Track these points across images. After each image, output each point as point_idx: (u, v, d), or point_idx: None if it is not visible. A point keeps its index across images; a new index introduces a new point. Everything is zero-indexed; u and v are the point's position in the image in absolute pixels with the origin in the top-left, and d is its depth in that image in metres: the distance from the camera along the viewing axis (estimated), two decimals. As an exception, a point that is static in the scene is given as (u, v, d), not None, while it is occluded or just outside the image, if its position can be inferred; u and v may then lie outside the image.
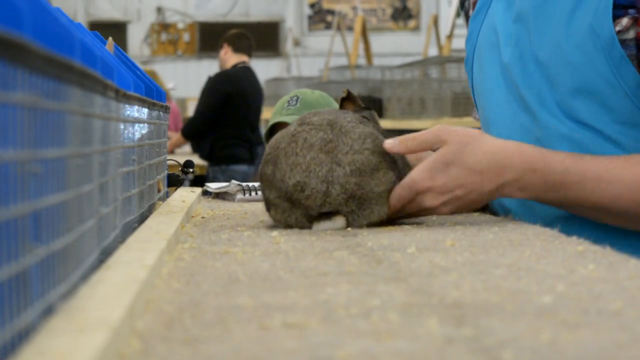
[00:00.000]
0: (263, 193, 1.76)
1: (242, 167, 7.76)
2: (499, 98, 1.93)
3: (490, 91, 1.97)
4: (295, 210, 1.70)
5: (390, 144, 1.73)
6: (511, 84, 1.90)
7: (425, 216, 1.84)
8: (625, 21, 1.74)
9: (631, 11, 1.74)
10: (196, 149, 8.16)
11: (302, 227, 1.71)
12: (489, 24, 1.98)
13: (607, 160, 1.75)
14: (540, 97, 1.84)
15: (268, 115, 8.62)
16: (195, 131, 7.85)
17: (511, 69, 1.90)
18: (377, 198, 1.71)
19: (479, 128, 2.07)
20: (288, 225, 1.72)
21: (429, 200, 1.75)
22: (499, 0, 1.97)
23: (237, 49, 7.90)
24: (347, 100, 1.90)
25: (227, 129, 7.79)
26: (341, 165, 1.69)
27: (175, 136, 8.28)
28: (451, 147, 1.74)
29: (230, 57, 7.91)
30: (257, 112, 8.10)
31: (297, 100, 2.10)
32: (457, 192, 1.74)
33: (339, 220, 1.70)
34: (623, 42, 1.74)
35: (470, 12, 2.09)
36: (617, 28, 1.75)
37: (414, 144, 1.75)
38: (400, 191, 1.73)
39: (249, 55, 8.01)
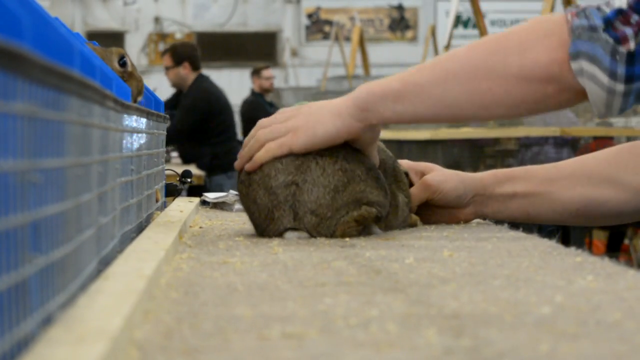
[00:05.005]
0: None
1: None
2: None
3: None
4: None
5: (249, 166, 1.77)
6: None
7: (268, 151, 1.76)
8: None
9: None
10: (189, 162, 8.22)
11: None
12: None
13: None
14: None
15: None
16: (174, 141, 8.02)
17: None
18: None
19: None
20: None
21: (269, 131, 1.76)
22: None
23: (195, 67, 8.18)
24: None
25: (223, 135, 8.02)
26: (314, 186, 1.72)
27: None
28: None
29: (190, 76, 8.13)
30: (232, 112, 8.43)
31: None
32: (295, 119, 1.75)
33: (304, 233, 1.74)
34: None
35: None
36: None
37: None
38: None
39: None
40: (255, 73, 11.87)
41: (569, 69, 1.63)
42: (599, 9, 1.62)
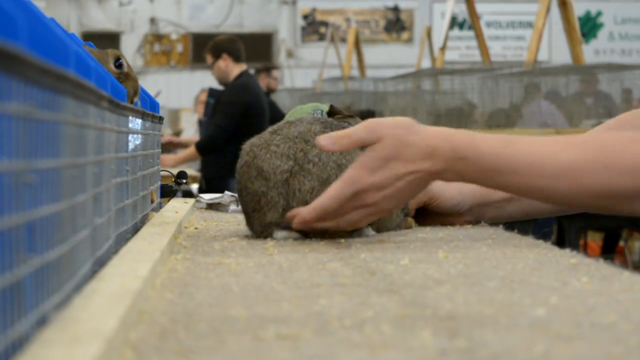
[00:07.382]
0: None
1: None
2: None
3: None
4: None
5: (323, 141, 1.70)
6: None
7: (362, 223, 1.74)
8: None
9: None
10: (209, 164, 7.98)
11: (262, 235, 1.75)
12: None
13: (540, 143, 1.73)
14: None
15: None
16: (213, 146, 7.69)
17: None
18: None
19: None
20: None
21: (370, 197, 1.69)
22: None
23: (237, 59, 7.86)
24: (331, 115, 1.95)
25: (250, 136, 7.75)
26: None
27: (188, 150, 8.11)
28: (388, 142, 1.70)
29: (232, 68, 7.86)
30: (267, 119, 8.04)
31: (322, 114, 2.15)
32: (397, 184, 1.71)
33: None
34: None
35: None
36: None
37: (348, 142, 1.71)
38: (341, 188, 1.68)
39: (245, 61, 7.99)
40: (265, 71, 11.36)
41: None
42: None
